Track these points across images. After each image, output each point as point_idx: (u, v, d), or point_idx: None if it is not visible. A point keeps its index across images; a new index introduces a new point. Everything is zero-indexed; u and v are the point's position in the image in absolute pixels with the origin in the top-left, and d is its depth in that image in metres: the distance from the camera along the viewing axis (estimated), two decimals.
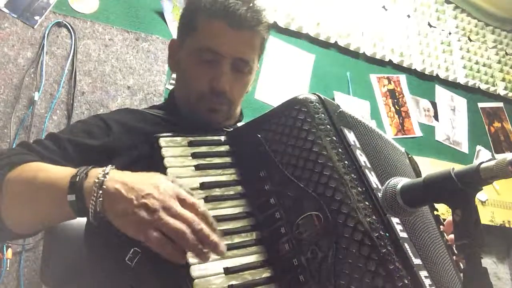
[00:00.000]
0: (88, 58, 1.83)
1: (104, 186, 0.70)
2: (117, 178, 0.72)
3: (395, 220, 0.78)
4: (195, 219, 0.69)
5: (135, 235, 0.69)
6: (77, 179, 0.73)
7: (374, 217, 0.75)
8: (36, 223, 0.84)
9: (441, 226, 1.04)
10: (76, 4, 1.85)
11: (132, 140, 0.96)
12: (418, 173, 1.08)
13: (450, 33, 2.94)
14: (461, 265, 0.98)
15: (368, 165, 0.85)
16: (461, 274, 0.94)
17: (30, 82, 1.71)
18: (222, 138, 0.93)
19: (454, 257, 0.99)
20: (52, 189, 0.76)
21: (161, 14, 2.01)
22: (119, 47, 1.89)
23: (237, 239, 0.81)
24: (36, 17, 1.77)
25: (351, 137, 0.87)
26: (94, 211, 0.70)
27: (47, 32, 1.76)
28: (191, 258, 0.74)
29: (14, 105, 1.67)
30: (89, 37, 1.84)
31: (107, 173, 0.72)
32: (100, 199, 0.70)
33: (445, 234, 1.03)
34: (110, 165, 0.74)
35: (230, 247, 0.78)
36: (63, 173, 0.76)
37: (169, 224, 0.68)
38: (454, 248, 1.01)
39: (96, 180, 0.71)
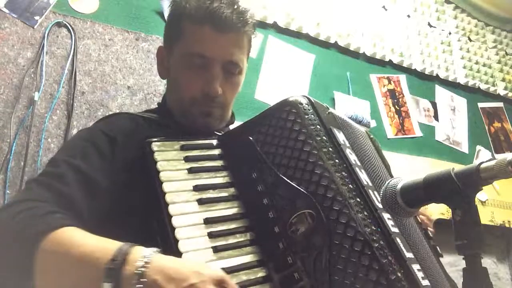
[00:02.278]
0: (88, 58, 1.83)
1: (144, 279, 0.67)
2: (157, 266, 0.68)
3: (386, 216, 0.79)
4: None
5: None
6: (115, 266, 0.68)
7: (365, 213, 0.77)
8: None
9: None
10: (76, 4, 1.85)
11: (135, 145, 0.95)
12: (382, 157, 1.09)
13: (450, 33, 2.94)
14: (438, 249, 1.00)
15: (358, 163, 0.86)
16: (449, 267, 0.97)
17: (30, 82, 1.71)
18: (214, 141, 0.95)
19: (431, 241, 1.01)
20: (86, 271, 0.71)
21: (161, 14, 2.01)
22: (119, 47, 1.89)
23: (231, 240, 0.82)
24: (36, 17, 1.77)
25: (340, 136, 0.88)
26: None
27: (47, 32, 1.76)
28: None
29: (14, 105, 1.67)
30: (89, 37, 1.84)
31: (148, 262, 0.68)
32: None
33: (418, 218, 1.05)
34: (151, 249, 0.71)
35: (225, 248, 0.80)
36: (100, 251, 0.71)
37: None
38: (430, 233, 1.03)
39: (136, 272, 0.67)
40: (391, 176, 1.07)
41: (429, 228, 1.07)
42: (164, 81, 1.95)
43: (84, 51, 1.82)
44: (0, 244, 0.77)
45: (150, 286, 0.66)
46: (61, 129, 1.72)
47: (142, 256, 0.69)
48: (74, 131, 1.73)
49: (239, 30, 1.02)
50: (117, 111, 1.81)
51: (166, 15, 2.01)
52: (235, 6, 1.02)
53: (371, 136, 1.12)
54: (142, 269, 0.67)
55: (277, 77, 2.23)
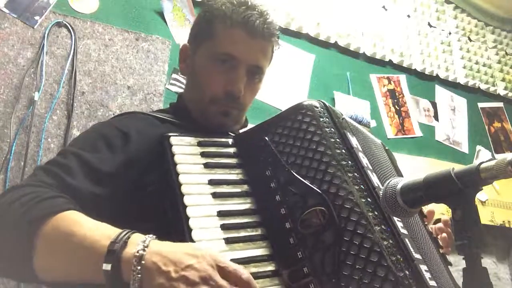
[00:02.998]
0: (88, 58, 1.83)
1: (143, 261, 0.69)
2: (155, 250, 0.70)
3: (396, 217, 0.80)
4: None
5: None
6: (116, 247, 0.70)
7: (376, 212, 0.79)
8: (67, 280, 0.80)
9: (424, 218, 1.06)
10: (76, 4, 1.85)
11: (148, 142, 0.97)
12: (396, 167, 1.12)
13: (450, 33, 2.94)
14: (448, 257, 1.01)
15: (370, 166, 0.88)
16: (449, 267, 0.99)
17: (30, 82, 1.71)
18: (230, 140, 0.99)
19: (440, 250, 1.02)
20: (87, 253, 0.73)
21: (161, 14, 2.01)
22: (119, 47, 1.89)
23: (243, 233, 0.84)
24: (36, 17, 1.77)
25: (353, 140, 0.91)
26: (133, 286, 0.68)
27: (47, 32, 1.76)
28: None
29: (14, 105, 1.67)
30: (89, 37, 1.84)
31: (147, 246, 0.70)
32: (139, 275, 0.68)
33: (428, 227, 1.07)
34: (150, 236, 0.73)
35: (237, 240, 0.82)
36: (101, 234, 0.74)
37: None
38: (440, 241, 1.04)
39: (136, 254, 0.69)
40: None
41: (443, 234, 1.07)
42: (164, 81, 1.96)
43: (84, 51, 1.82)
44: (1, 226, 0.78)
45: (149, 269, 0.69)
46: (61, 129, 1.72)
47: (142, 241, 0.71)
48: (74, 131, 1.73)
49: (267, 39, 1.09)
50: (117, 111, 1.81)
51: (166, 15, 2.01)
52: (267, 17, 1.09)
53: (387, 148, 1.15)
54: (142, 252, 0.70)
55: (277, 77, 2.23)
